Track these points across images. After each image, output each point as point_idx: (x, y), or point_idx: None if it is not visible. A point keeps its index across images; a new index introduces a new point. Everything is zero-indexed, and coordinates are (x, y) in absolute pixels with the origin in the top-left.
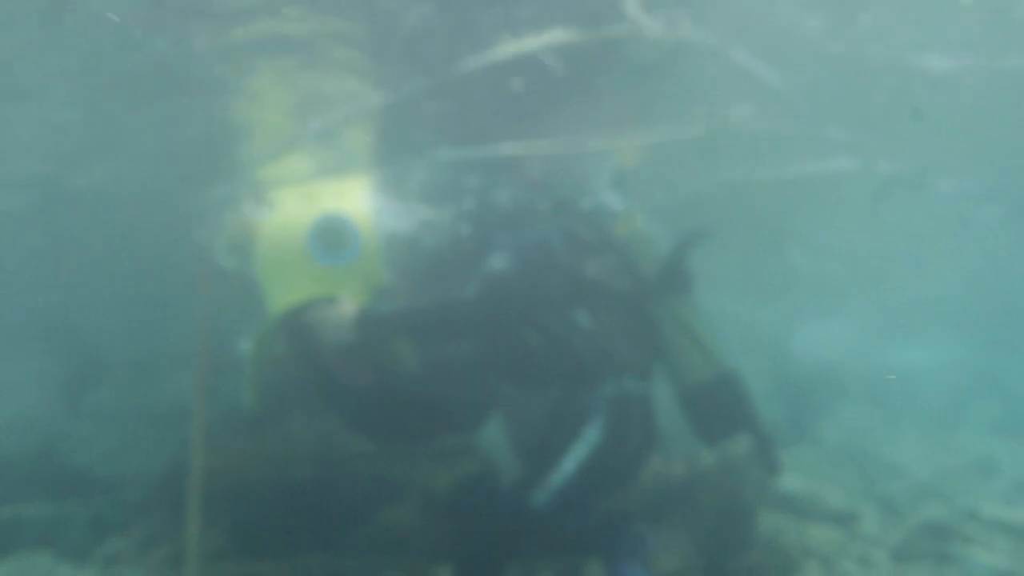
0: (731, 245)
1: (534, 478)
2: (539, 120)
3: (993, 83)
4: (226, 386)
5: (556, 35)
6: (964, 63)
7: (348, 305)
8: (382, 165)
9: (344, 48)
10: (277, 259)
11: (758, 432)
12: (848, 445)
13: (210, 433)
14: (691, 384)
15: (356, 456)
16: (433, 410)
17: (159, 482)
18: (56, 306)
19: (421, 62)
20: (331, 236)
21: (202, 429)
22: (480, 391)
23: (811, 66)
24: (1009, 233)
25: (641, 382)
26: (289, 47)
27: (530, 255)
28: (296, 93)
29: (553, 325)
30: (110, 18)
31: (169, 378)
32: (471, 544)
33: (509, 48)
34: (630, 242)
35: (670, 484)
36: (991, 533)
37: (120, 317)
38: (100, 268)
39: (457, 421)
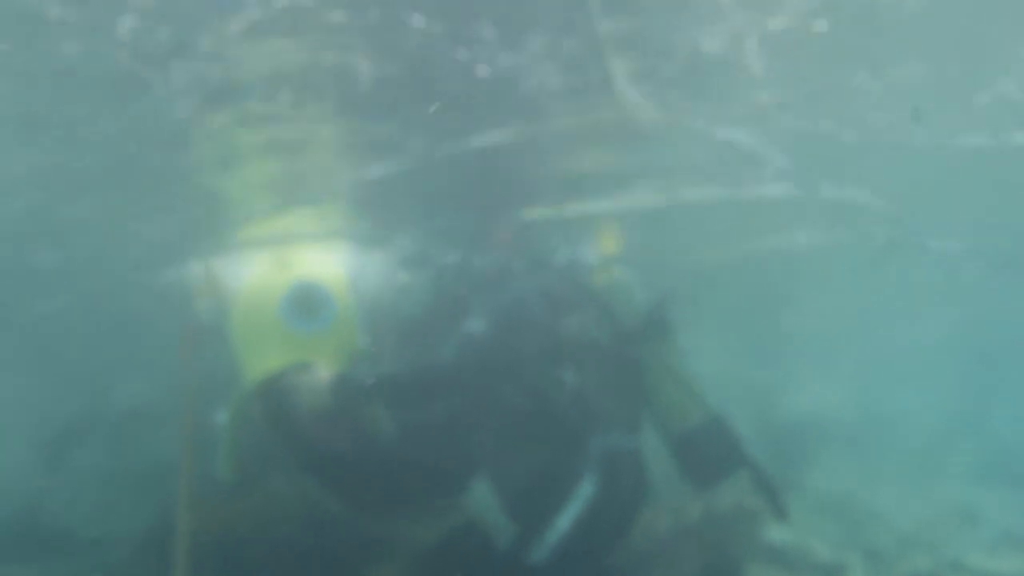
0: (724, 315)
1: (529, 535)
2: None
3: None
4: (210, 445)
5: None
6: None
7: (323, 371)
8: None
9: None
10: (251, 326)
11: (760, 475)
12: (832, 494)
13: (195, 492)
14: (681, 429)
15: (342, 514)
16: (413, 476)
17: (143, 541)
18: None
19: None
20: (306, 303)
21: (189, 488)
22: (462, 454)
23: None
24: (989, 287)
25: (629, 436)
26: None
27: (506, 315)
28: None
29: (536, 384)
30: None
31: (152, 435)
32: None
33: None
34: (608, 293)
35: (656, 537)
36: None
37: (104, 374)
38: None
39: (439, 487)
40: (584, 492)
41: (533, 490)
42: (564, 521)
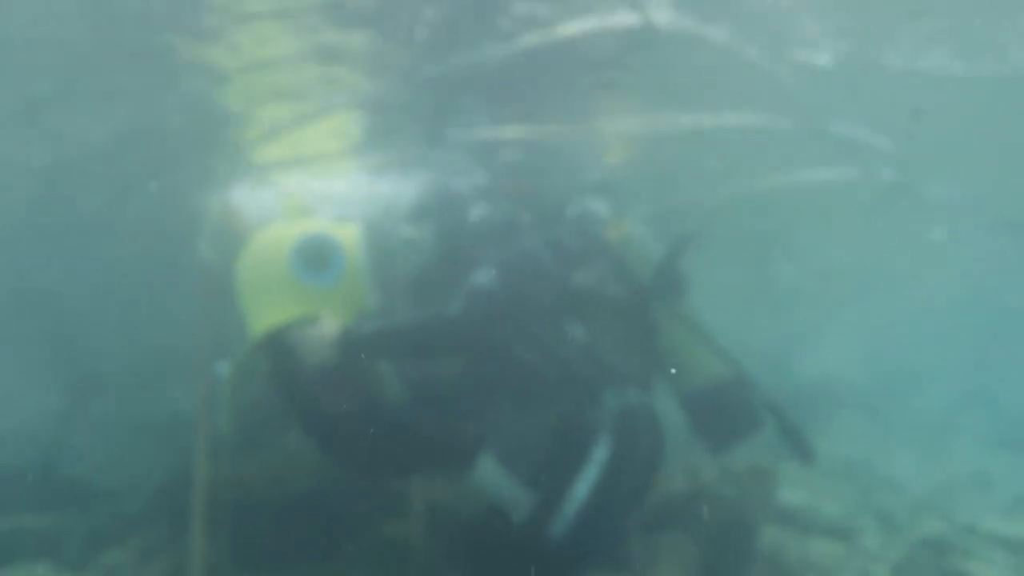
0: (718, 258)
1: (547, 507)
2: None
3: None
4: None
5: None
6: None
7: (329, 324)
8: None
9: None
10: (259, 278)
11: (783, 420)
12: (845, 458)
13: (211, 445)
14: (696, 387)
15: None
16: (418, 441)
17: (158, 493)
18: (55, 314)
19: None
20: (315, 255)
21: (205, 440)
22: (469, 419)
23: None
24: (1002, 248)
25: (643, 392)
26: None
27: (515, 267)
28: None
29: (545, 338)
30: None
31: (169, 387)
32: None
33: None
34: (621, 247)
35: (671, 497)
36: (990, 548)
37: (118, 324)
38: (98, 272)
39: (445, 455)
40: (599, 456)
41: (547, 456)
42: (581, 489)
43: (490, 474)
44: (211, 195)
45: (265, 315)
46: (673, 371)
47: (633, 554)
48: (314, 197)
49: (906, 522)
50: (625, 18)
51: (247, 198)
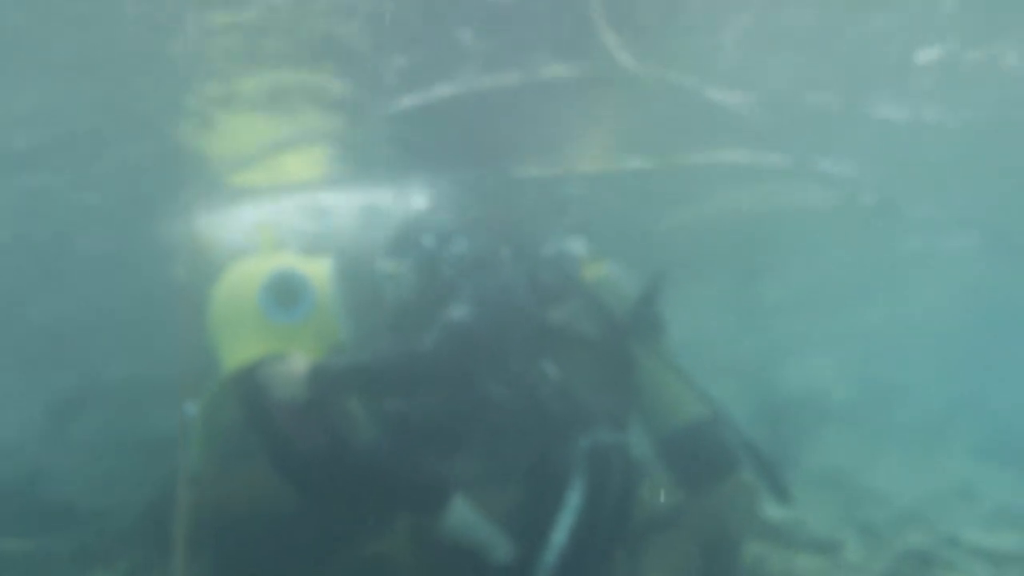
0: (704, 275)
1: (527, 556)
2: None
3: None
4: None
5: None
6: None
7: (299, 360)
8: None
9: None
10: (229, 317)
11: (760, 458)
12: (830, 470)
13: (192, 469)
14: (670, 428)
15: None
16: (392, 483)
17: (143, 514)
18: (40, 331)
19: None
20: (284, 292)
21: (188, 461)
22: (443, 458)
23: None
24: (985, 261)
25: (618, 432)
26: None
27: (491, 302)
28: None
29: (519, 376)
30: None
31: (155, 406)
32: None
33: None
34: (598, 286)
35: (654, 512)
36: (972, 560)
37: (103, 344)
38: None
39: (419, 496)
40: (573, 499)
41: (521, 499)
42: (560, 536)
43: (465, 517)
44: (184, 220)
45: (235, 353)
46: (648, 411)
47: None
48: (286, 226)
49: (890, 534)
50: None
51: (219, 224)
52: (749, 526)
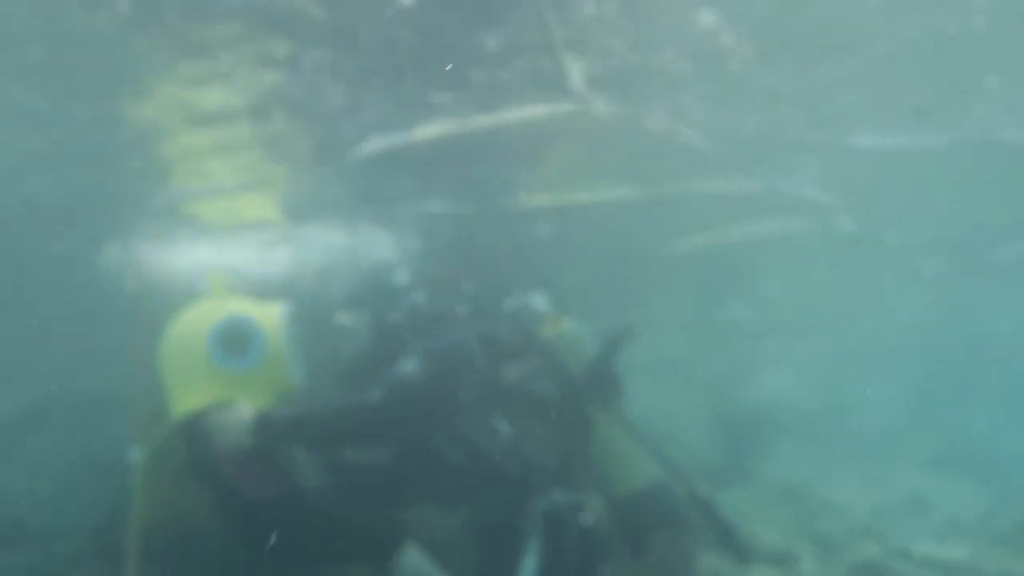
0: (671, 300)
1: None
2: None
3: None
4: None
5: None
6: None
7: (245, 410)
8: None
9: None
10: (178, 362)
11: (718, 521)
12: (786, 483)
13: (147, 484)
14: (630, 490)
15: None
16: (339, 531)
17: (95, 532)
18: None
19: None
20: (234, 338)
21: (141, 479)
22: (391, 508)
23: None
24: (945, 283)
25: (572, 493)
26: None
27: (441, 358)
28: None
29: (470, 434)
30: None
31: (107, 424)
32: None
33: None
34: (557, 344)
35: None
36: (923, 571)
37: (57, 359)
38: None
39: (368, 546)
40: (529, 563)
41: (476, 561)
42: None
43: (417, 565)
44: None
45: (184, 399)
46: (603, 472)
47: None
48: (237, 271)
49: (844, 547)
50: (563, 106)
51: (164, 255)
52: (703, 538)
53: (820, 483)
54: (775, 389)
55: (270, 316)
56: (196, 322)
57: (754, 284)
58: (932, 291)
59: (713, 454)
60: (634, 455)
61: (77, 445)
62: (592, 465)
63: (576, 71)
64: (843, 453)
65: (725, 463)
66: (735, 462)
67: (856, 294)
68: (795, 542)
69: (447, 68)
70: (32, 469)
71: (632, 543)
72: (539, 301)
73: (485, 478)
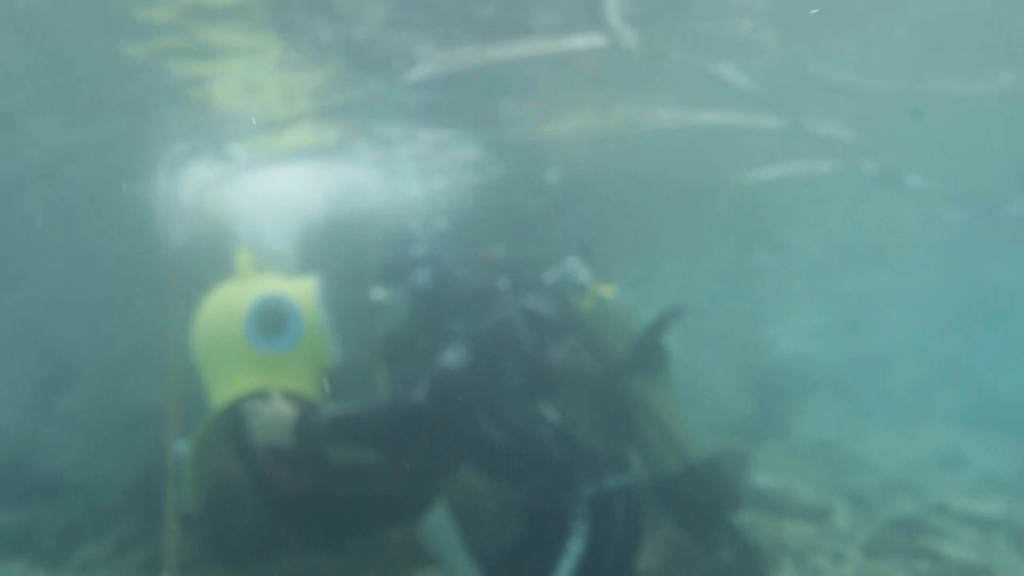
0: (700, 243)
1: None
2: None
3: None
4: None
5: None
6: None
7: (286, 406)
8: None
9: None
10: (215, 348)
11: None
12: (818, 439)
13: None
14: (669, 471)
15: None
16: (373, 504)
17: (132, 487)
18: (24, 307)
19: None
20: (270, 320)
21: (175, 435)
22: (431, 483)
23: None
24: (973, 233)
25: (620, 475)
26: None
27: (488, 344)
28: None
29: (516, 419)
30: None
31: (142, 379)
32: None
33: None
34: (596, 318)
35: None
36: (960, 526)
37: (90, 317)
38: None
39: (397, 510)
40: (575, 545)
41: (520, 546)
42: None
43: (442, 527)
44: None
45: (224, 386)
46: (649, 450)
47: None
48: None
49: (878, 502)
50: (592, 38)
51: (221, 195)
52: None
53: (852, 439)
54: (802, 344)
55: (304, 293)
56: (230, 305)
57: (780, 230)
58: (959, 241)
59: (743, 410)
60: (683, 430)
61: (111, 401)
62: (640, 444)
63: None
64: (874, 409)
65: (756, 419)
66: (765, 418)
67: (882, 244)
68: (829, 497)
69: None
70: (68, 425)
71: (682, 520)
72: (582, 271)
73: (532, 464)
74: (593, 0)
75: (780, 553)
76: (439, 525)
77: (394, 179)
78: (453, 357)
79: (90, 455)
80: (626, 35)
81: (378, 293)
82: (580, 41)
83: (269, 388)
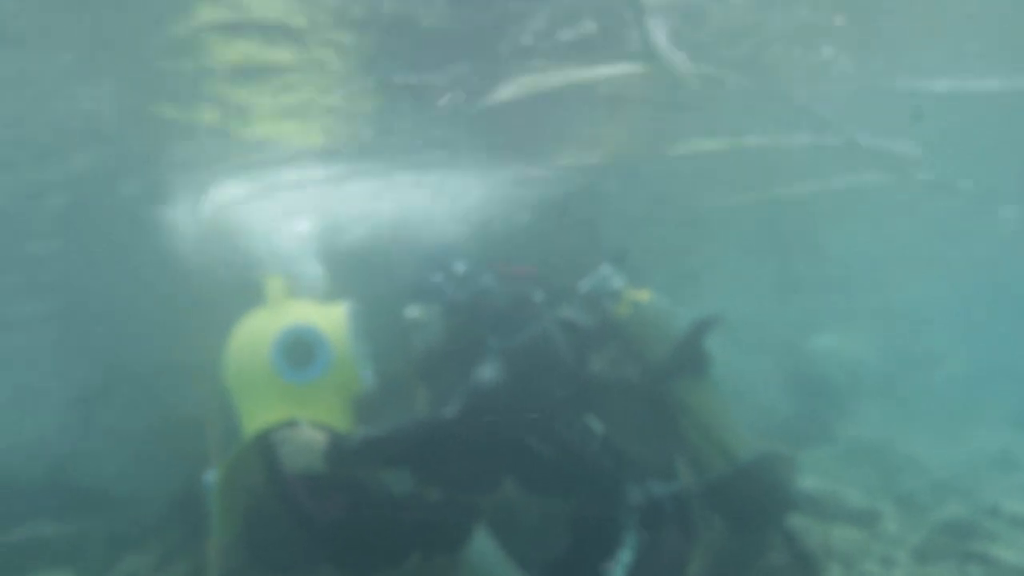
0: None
1: None
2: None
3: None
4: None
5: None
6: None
7: (317, 432)
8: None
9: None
10: (243, 378)
11: (782, 527)
12: (865, 442)
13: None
14: (711, 478)
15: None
16: (412, 530)
17: (175, 498)
18: (69, 318)
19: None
20: (297, 350)
21: (217, 445)
22: (464, 511)
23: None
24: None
25: (668, 483)
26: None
27: (525, 358)
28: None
29: (564, 434)
30: None
31: (183, 391)
32: None
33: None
34: (633, 324)
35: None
36: (1013, 529)
37: (134, 328)
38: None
39: (437, 538)
40: (625, 556)
41: (569, 557)
42: None
43: (485, 553)
44: (200, 203)
45: (253, 417)
46: (695, 454)
47: None
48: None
49: (928, 505)
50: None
51: (238, 211)
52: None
53: (900, 441)
54: (848, 345)
55: (334, 321)
56: (258, 335)
57: (827, 237)
58: (1008, 239)
59: (788, 413)
60: (730, 432)
61: (154, 413)
62: (686, 448)
63: (660, 30)
64: (922, 410)
65: (802, 422)
66: (812, 421)
67: (931, 245)
68: (877, 500)
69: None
70: (112, 437)
71: (733, 523)
72: (616, 278)
73: (580, 476)
74: (642, 29)
75: (828, 558)
76: (484, 550)
77: (428, 198)
78: (488, 373)
79: (133, 468)
80: (678, 62)
81: (413, 311)
82: (629, 68)
83: (297, 419)
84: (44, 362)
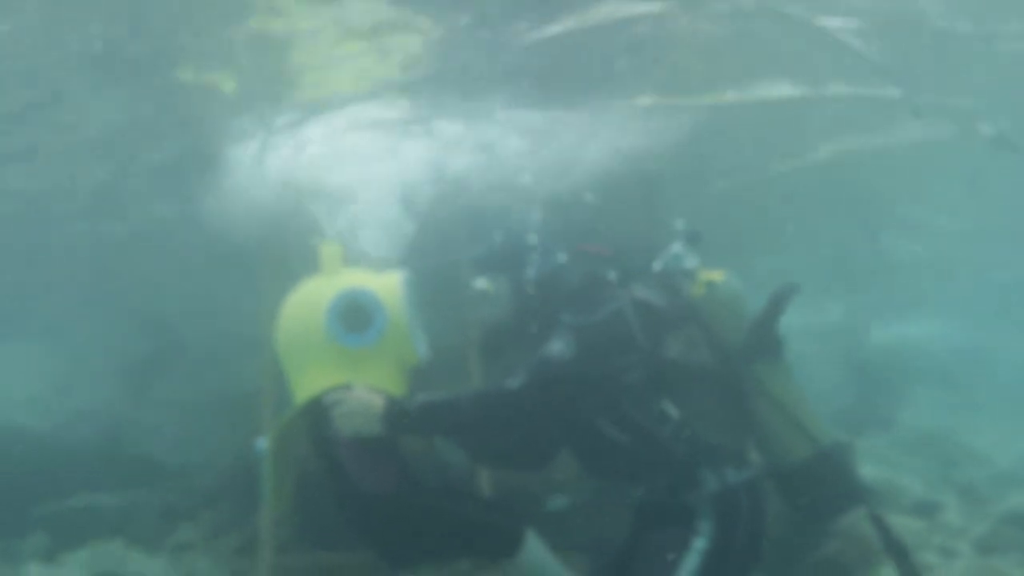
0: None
1: None
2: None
3: None
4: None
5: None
6: None
7: (374, 395)
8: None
9: None
10: (296, 342)
11: (869, 508)
12: (925, 431)
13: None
14: (790, 463)
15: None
16: (462, 529)
17: (228, 470)
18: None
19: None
20: (353, 314)
21: (271, 418)
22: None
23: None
24: None
25: (743, 469)
26: None
27: (598, 336)
28: None
29: (639, 418)
30: None
31: (238, 363)
32: None
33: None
34: (708, 304)
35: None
36: None
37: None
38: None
39: (486, 543)
40: (699, 544)
41: (640, 545)
42: None
43: (537, 558)
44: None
45: (305, 382)
46: (768, 441)
47: None
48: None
49: (990, 496)
50: None
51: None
52: None
53: (961, 431)
54: (907, 333)
55: (389, 287)
56: (312, 299)
57: (898, 213)
58: None
59: (845, 401)
60: (809, 416)
61: (206, 385)
62: (763, 434)
63: None
64: (984, 400)
65: (859, 410)
66: (869, 409)
67: (988, 226)
68: (938, 491)
69: None
70: (165, 410)
71: (806, 512)
72: (690, 257)
73: (654, 462)
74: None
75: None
76: (537, 559)
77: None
78: (558, 347)
79: (187, 439)
80: None
81: (481, 283)
82: None
83: (351, 383)
84: (98, 333)
